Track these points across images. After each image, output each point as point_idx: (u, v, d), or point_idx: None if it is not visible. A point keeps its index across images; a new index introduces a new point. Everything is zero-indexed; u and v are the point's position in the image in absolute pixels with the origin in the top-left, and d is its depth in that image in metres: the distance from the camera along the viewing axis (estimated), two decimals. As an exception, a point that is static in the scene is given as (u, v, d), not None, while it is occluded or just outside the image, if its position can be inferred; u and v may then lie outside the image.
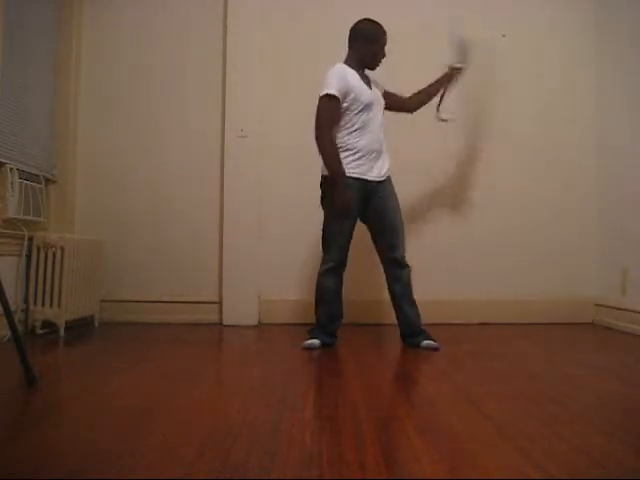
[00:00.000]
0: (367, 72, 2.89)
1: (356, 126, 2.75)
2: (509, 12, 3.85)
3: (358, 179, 2.75)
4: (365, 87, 2.79)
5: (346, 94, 2.72)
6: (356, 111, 2.74)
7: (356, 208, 2.76)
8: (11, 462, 1.31)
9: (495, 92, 3.82)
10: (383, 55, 2.87)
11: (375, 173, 2.79)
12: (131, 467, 1.28)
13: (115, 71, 3.79)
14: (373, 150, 2.78)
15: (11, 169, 3.03)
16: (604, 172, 3.79)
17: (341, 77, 2.73)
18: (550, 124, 3.85)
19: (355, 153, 2.76)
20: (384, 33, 2.86)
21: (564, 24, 3.89)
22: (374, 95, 2.82)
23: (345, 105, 2.73)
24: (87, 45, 3.76)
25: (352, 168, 2.75)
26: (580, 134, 3.87)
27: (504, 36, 3.82)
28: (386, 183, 2.84)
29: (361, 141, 2.76)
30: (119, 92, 3.78)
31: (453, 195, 3.77)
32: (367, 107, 2.76)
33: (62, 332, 3.10)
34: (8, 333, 2.43)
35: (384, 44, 2.86)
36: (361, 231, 2.88)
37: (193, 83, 3.78)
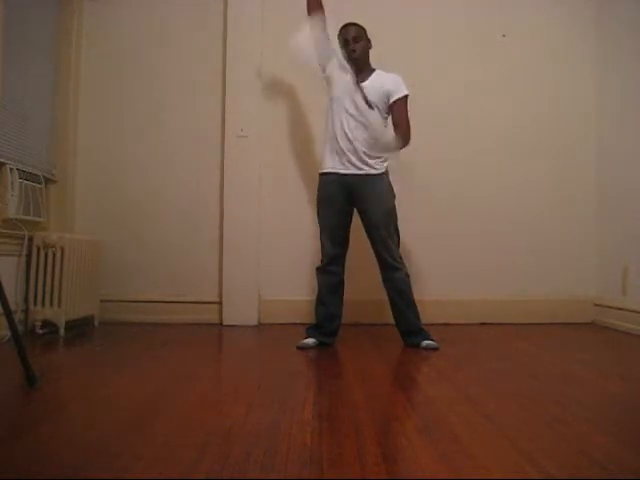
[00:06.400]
0: (380, 72, 2.86)
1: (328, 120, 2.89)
2: (509, 12, 3.85)
3: (333, 173, 2.82)
4: (344, 81, 2.83)
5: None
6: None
7: (339, 200, 2.81)
8: (11, 462, 1.30)
9: (493, 92, 3.82)
10: (347, 50, 2.84)
11: (345, 167, 2.79)
12: (131, 467, 1.28)
13: (115, 71, 3.78)
14: (339, 146, 2.80)
15: (11, 169, 3.03)
16: (604, 172, 3.79)
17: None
18: (550, 123, 3.84)
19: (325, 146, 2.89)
20: (342, 28, 2.88)
21: (564, 24, 3.89)
22: (348, 89, 2.82)
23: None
24: (87, 45, 3.76)
25: (325, 162, 2.87)
26: (580, 134, 3.87)
27: (504, 36, 3.82)
28: (369, 182, 2.79)
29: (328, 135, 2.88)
30: (119, 92, 3.77)
31: (453, 195, 3.76)
32: (331, 101, 2.87)
33: (62, 332, 3.10)
34: (8, 333, 2.43)
35: (344, 39, 2.85)
36: (361, 231, 2.88)
37: (193, 83, 3.77)
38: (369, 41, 2.89)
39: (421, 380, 2.34)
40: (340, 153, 2.79)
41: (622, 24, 3.64)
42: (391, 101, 2.80)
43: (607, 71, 3.78)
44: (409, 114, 2.82)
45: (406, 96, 2.80)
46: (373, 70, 2.87)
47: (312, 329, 2.88)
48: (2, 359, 2.46)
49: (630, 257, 3.45)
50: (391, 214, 2.83)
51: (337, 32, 2.89)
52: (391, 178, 2.86)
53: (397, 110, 2.80)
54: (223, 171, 3.68)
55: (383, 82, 2.82)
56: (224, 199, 3.66)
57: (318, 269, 2.91)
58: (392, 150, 2.79)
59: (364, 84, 2.81)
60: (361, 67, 2.85)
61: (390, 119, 2.85)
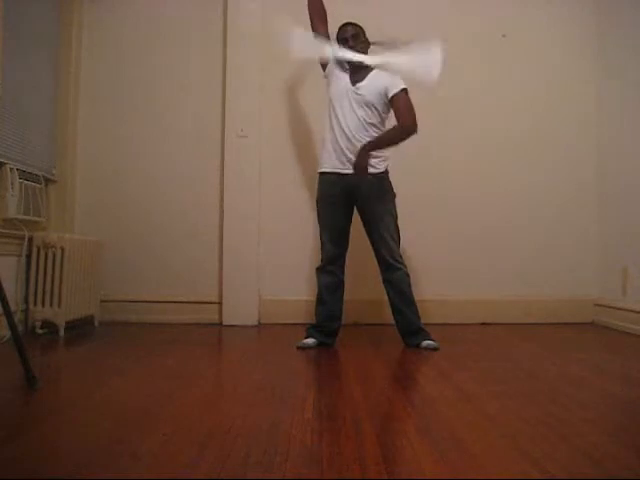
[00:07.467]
0: (378, 70, 2.85)
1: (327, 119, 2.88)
2: (509, 12, 3.85)
3: (333, 173, 2.82)
4: (342, 81, 2.83)
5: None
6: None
7: (339, 199, 2.81)
8: (11, 462, 1.30)
9: (493, 92, 3.82)
10: (345, 49, 2.85)
11: (344, 166, 2.79)
12: (131, 467, 1.28)
13: (115, 71, 3.78)
14: (339, 145, 2.80)
15: (11, 169, 3.03)
16: (604, 172, 3.79)
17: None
18: (550, 124, 3.84)
19: (324, 146, 2.89)
20: (340, 28, 2.89)
21: (564, 24, 3.89)
22: (346, 89, 2.82)
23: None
24: (87, 45, 3.76)
25: (325, 161, 2.86)
26: (580, 134, 3.87)
27: (504, 36, 3.82)
28: (368, 181, 2.78)
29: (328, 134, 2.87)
30: (119, 92, 3.78)
31: (453, 195, 3.76)
32: (330, 100, 2.86)
33: (62, 332, 3.10)
34: (8, 333, 2.43)
35: (341, 39, 2.86)
36: (361, 231, 2.88)
37: (193, 83, 3.78)
38: (367, 41, 2.89)
39: (421, 380, 2.34)
40: (339, 152, 2.79)
41: (622, 24, 3.64)
42: (389, 96, 2.78)
43: (607, 71, 3.78)
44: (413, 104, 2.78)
45: (404, 89, 2.77)
46: (371, 69, 2.86)
47: (312, 329, 2.88)
48: (2, 359, 2.46)
49: (630, 257, 3.45)
50: (391, 213, 2.83)
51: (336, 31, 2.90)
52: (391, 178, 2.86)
53: (396, 102, 2.77)
54: (223, 171, 3.69)
55: (380, 80, 2.80)
56: (224, 199, 3.66)
57: (318, 269, 2.91)
58: (395, 142, 2.78)
59: (361, 84, 2.81)
60: (359, 66, 2.85)
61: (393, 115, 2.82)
